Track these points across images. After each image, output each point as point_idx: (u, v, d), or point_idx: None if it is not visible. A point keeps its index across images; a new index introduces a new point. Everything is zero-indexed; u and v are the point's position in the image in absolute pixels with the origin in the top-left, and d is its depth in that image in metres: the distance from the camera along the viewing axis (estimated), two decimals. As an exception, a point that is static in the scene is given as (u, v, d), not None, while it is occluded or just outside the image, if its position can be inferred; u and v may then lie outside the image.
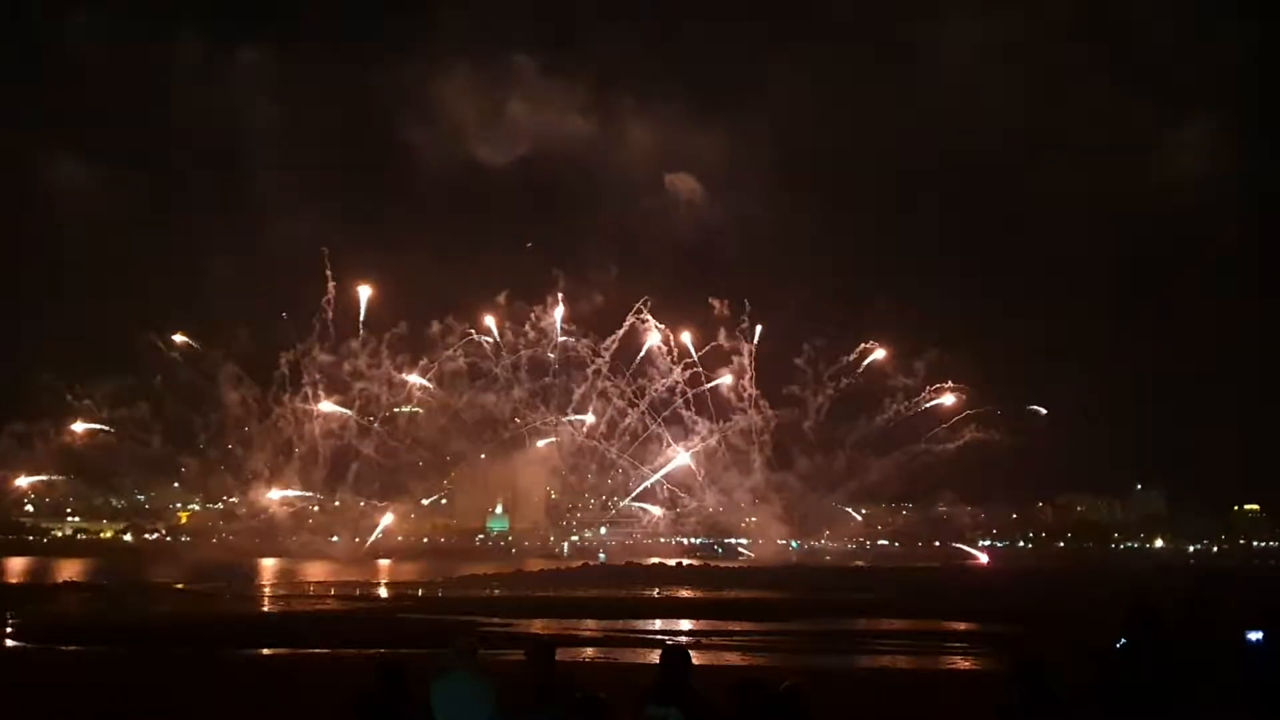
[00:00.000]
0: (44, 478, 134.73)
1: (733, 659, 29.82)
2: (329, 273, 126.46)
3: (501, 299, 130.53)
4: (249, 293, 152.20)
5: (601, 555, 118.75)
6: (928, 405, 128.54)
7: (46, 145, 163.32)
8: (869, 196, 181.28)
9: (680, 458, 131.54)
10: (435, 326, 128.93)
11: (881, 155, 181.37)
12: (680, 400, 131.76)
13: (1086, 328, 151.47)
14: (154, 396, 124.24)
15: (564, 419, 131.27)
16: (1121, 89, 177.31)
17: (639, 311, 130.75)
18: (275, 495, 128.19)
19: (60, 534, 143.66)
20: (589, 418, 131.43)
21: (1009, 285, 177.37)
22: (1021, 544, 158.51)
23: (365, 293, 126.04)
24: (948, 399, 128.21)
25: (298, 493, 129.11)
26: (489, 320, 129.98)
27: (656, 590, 62.49)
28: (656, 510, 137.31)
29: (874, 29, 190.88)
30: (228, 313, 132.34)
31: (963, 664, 30.48)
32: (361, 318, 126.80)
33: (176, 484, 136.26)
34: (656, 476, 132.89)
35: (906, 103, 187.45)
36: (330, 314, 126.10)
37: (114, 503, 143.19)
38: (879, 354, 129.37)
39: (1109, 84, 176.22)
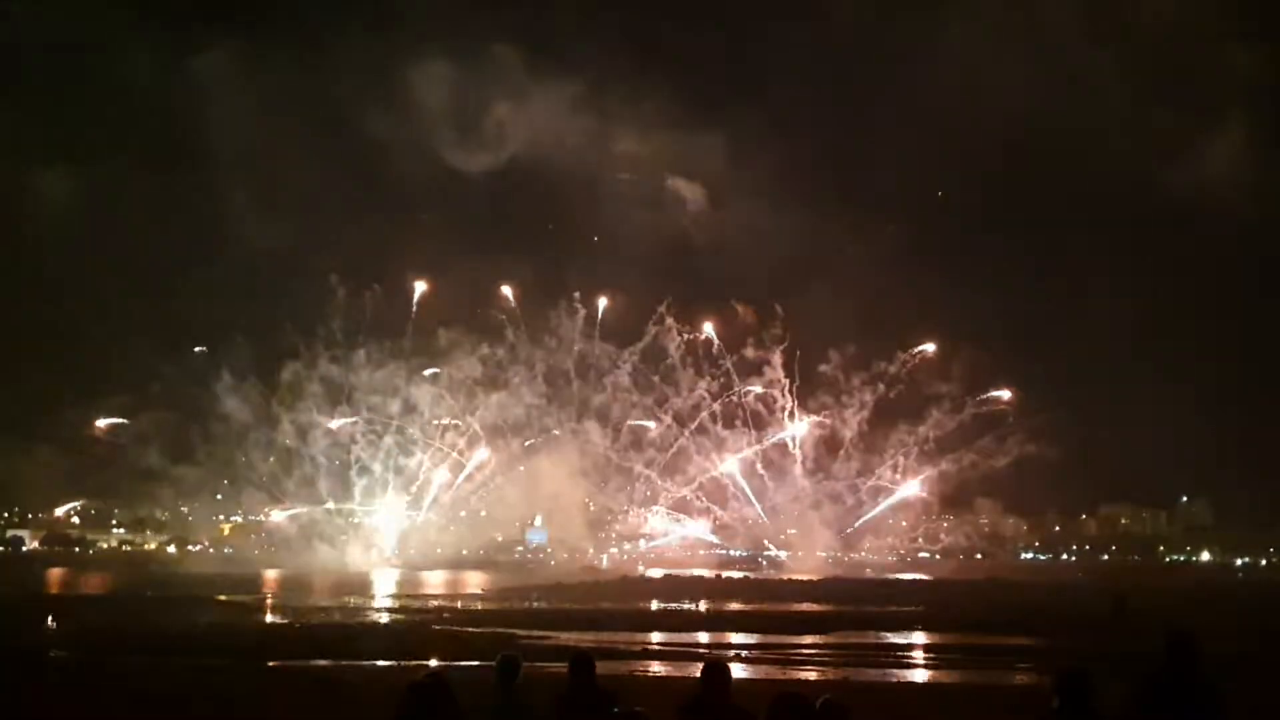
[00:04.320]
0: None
1: (773, 672, 29.73)
2: (334, 278, 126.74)
3: (512, 299, 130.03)
4: (247, 300, 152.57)
5: (640, 567, 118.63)
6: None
7: (23, 153, 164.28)
8: (889, 197, 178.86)
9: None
10: (443, 337, 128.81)
11: (893, 154, 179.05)
12: (706, 414, 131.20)
13: (1132, 336, 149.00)
14: (152, 407, 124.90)
15: (582, 425, 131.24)
16: (1167, 88, 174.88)
17: (661, 318, 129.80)
18: (327, 507, 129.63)
19: (106, 546, 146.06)
20: (651, 424, 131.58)
21: (1050, 292, 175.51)
22: (1065, 556, 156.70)
23: (372, 298, 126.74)
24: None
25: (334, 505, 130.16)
26: (505, 327, 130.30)
27: (696, 603, 62.30)
28: (695, 523, 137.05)
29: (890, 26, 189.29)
30: (225, 322, 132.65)
31: (1002, 678, 30.18)
32: (366, 323, 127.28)
33: (219, 495, 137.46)
34: (686, 491, 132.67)
35: (919, 101, 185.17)
36: (338, 322, 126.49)
37: (158, 515, 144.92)
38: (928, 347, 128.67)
39: (1153, 83, 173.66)
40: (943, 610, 55.22)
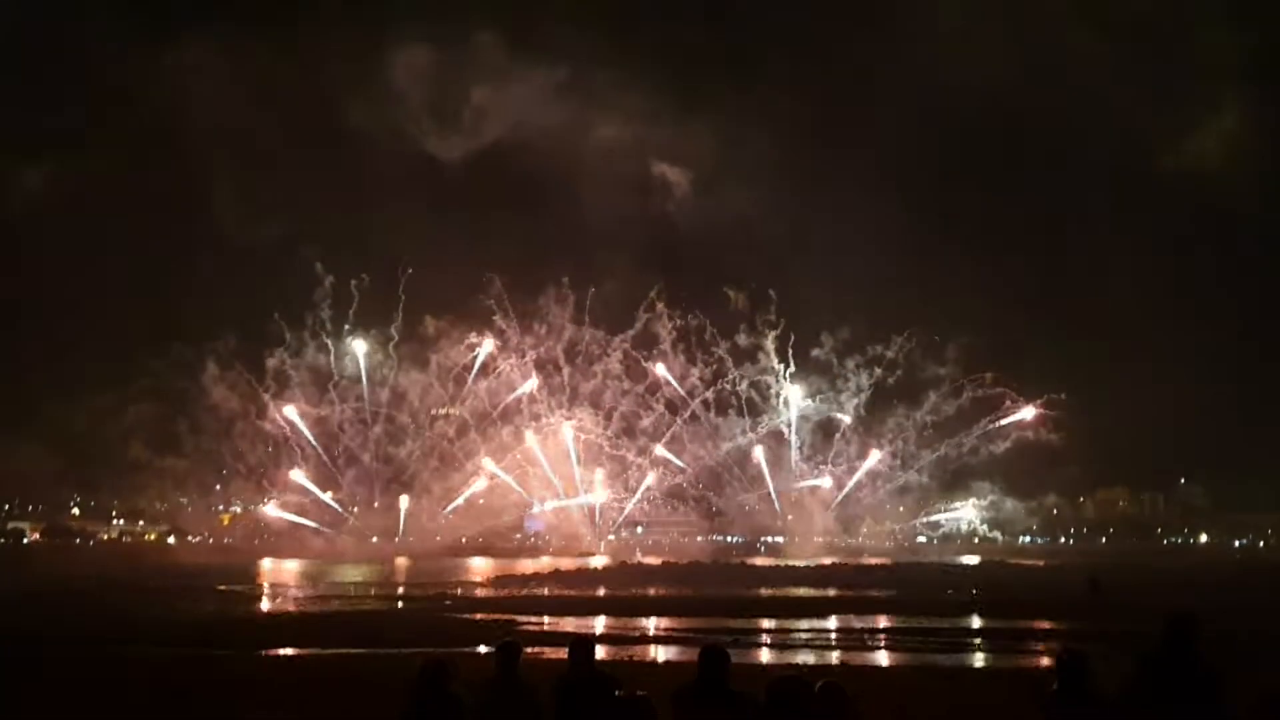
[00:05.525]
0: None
1: (771, 657, 29.84)
2: (319, 267, 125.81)
3: (499, 288, 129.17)
4: (233, 294, 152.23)
5: (638, 554, 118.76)
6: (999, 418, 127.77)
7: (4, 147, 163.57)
8: (883, 180, 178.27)
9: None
10: (431, 325, 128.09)
11: (887, 136, 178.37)
12: (699, 401, 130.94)
13: (1130, 319, 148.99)
14: (146, 399, 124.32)
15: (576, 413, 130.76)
16: (1164, 68, 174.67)
17: (652, 304, 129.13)
18: (323, 496, 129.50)
19: (106, 537, 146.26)
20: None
21: (1048, 274, 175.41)
22: (1064, 539, 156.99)
23: (359, 286, 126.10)
24: (1026, 412, 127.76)
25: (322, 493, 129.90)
26: (494, 314, 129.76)
27: (695, 589, 62.43)
28: (691, 513, 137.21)
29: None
30: (211, 316, 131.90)
31: (1000, 661, 30.29)
32: (352, 314, 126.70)
33: (218, 486, 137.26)
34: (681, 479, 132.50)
35: (912, 82, 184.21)
36: (326, 311, 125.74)
37: (157, 505, 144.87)
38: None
39: (1151, 62, 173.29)
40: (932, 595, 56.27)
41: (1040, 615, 42.45)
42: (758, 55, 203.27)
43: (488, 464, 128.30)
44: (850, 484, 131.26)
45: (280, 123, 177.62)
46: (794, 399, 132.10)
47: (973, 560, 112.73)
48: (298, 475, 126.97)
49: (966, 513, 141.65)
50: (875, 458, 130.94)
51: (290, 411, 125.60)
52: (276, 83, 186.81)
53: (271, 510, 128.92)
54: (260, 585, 68.07)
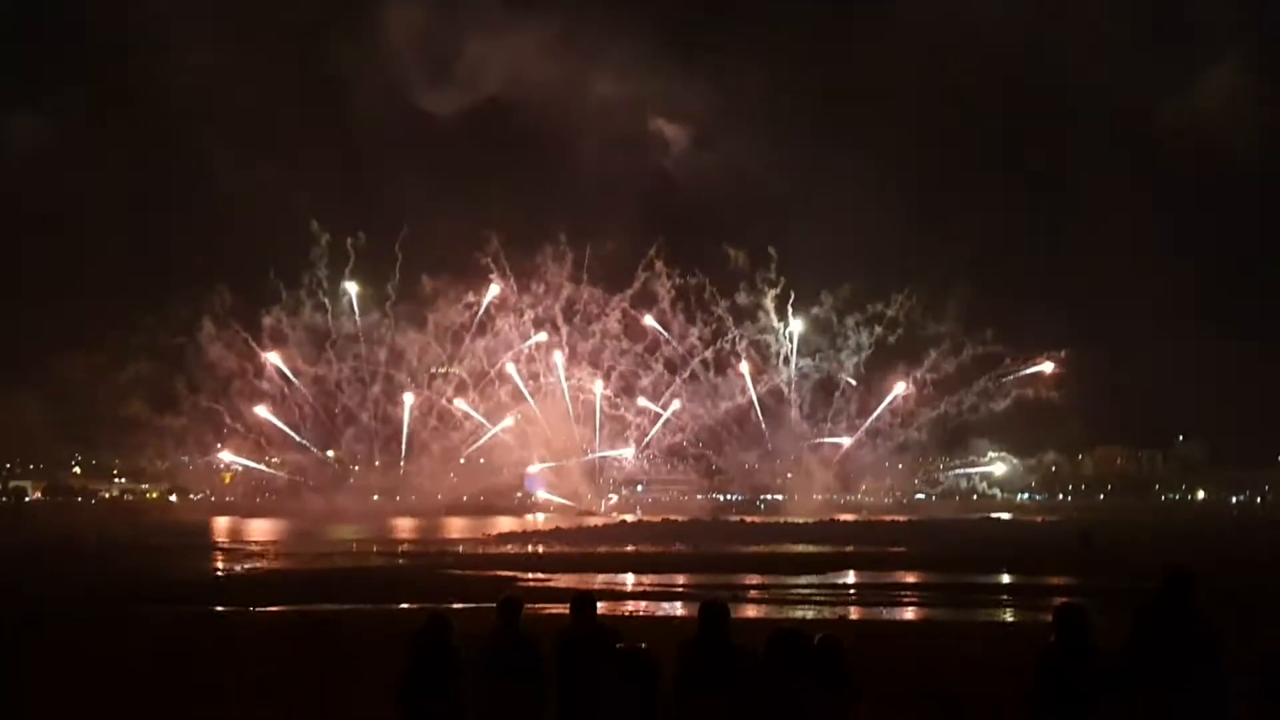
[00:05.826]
0: None
1: (770, 612, 30.05)
2: (315, 225, 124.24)
3: (496, 246, 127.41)
4: (228, 253, 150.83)
5: (638, 512, 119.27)
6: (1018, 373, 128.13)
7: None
8: (882, 135, 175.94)
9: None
10: (428, 285, 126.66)
11: (887, 92, 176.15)
12: (698, 360, 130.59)
13: (1128, 276, 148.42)
14: (147, 356, 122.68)
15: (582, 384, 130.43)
16: (1166, 23, 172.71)
17: (650, 263, 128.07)
18: (324, 455, 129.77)
19: (107, 495, 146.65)
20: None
21: (1046, 231, 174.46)
22: (1062, 496, 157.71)
23: (355, 244, 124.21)
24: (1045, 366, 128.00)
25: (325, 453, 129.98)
26: (491, 271, 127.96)
27: (693, 545, 62.84)
28: (690, 471, 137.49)
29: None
30: (207, 274, 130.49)
31: (1001, 616, 30.52)
32: (348, 271, 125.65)
33: (219, 445, 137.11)
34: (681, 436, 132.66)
35: (913, 34, 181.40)
36: (323, 269, 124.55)
37: (158, 464, 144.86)
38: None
39: (1152, 17, 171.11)
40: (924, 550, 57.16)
41: (1033, 571, 42.74)
42: (756, 11, 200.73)
43: (460, 405, 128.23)
44: (872, 417, 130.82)
45: (278, 77, 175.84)
46: (795, 330, 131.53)
47: (1005, 517, 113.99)
48: (262, 411, 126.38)
49: (996, 467, 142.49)
50: (900, 389, 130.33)
51: (274, 358, 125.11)
52: (269, 40, 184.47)
53: (227, 456, 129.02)
54: (261, 543, 68.42)
